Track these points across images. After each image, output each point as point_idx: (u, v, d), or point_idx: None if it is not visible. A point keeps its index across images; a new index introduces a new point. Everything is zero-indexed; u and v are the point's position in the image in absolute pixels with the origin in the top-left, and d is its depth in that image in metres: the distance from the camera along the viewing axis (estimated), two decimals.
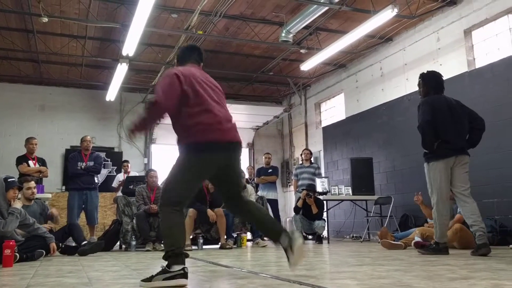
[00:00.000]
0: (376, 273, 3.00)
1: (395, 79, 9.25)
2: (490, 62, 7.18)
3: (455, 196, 4.71)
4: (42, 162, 7.53)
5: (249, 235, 7.77)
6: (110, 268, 3.81)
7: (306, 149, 9.47)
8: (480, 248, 4.35)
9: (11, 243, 4.20)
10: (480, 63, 7.63)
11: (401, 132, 8.70)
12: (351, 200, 8.75)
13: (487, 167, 6.72)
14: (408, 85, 8.80)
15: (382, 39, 9.30)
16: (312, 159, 9.27)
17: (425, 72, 5.17)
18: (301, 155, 9.42)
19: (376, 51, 9.79)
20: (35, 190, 5.79)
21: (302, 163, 9.27)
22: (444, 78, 7.74)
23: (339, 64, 10.69)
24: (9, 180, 4.96)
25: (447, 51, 8.12)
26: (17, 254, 4.38)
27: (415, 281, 2.56)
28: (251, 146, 13.41)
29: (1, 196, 4.83)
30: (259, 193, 9.26)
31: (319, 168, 9.30)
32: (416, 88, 8.32)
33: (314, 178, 8.75)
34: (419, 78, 5.10)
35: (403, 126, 8.61)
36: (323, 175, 9.52)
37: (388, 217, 7.89)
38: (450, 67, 7.87)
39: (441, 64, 8.13)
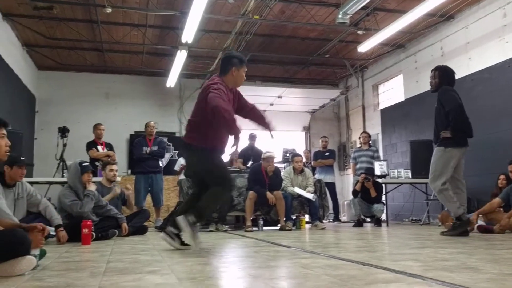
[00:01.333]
0: (439, 256, 3.03)
1: (456, 59, 8.93)
2: None
3: (455, 182, 5.04)
4: (109, 147, 7.97)
5: (307, 218, 7.87)
6: (178, 247, 4.04)
7: (364, 132, 9.39)
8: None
9: (88, 222, 4.55)
10: None
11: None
12: (411, 183, 8.63)
13: None
14: (470, 64, 8.48)
15: (443, 17, 8.97)
16: (370, 142, 9.19)
17: (440, 65, 5.43)
18: (359, 138, 9.36)
19: (437, 30, 9.47)
20: (116, 173, 6.20)
21: (361, 146, 9.22)
22: (511, 56, 7.48)
23: (397, 44, 10.43)
24: (83, 164, 5.33)
25: None
26: (93, 233, 4.72)
27: (480, 264, 2.57)
28: (307, 129, 13.42)
29: (77, 179, 5.20)
30: (316, 176, 9.32)
31: (377, 151, 9.22)
32: (479, 68, 8.12)
33: (372, 162, 8.69)
34: (435, 70, 5.30)
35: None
36: (381, 158, 9.43)
37: None
38: None
39: (507, 42, 7.77)
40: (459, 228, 4.87)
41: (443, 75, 5.24)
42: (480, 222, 5.57)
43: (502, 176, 6.61)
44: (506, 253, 3.18)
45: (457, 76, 8.61)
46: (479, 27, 8.40)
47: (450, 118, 5.00)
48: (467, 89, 8.29)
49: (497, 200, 5.83)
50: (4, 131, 2.68)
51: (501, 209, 5.80)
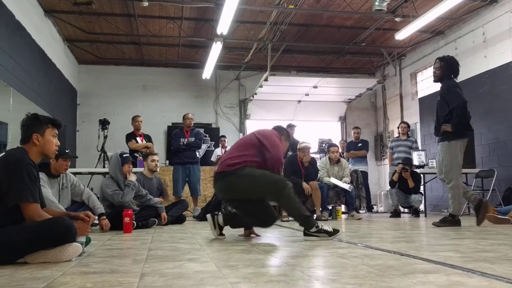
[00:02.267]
0: (480, 247, 2.98)
1: (499, 45, 8.62)
2: None
3: None
4: (148, 138, 8.16)
5: (343, 208, 7.84)
6: (216, 236, 4.12)
7: (403, 122, 9.21)
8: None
9: (129, 212, 4.70)
10: None
11: (506, 101, 8.17)
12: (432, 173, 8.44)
13: None
14: None
15: (485, 1, 8.66)
16: (409, 132, 9.02)
17: (446, 56, 5.35)
18: (397, 128, 9.20)
19: (478, 15, 9.16)
20: (158, 163, 6.36)
21: (399, 136, 9.06)
22: None
23: (436, 31, 10.16)
24: (124, 155, 5.49)
25: None
26: (134, 222, 4.87)
27: None
28: (343, 119, 13.29)
29: (118, 170, 5.36)
30: (350, 167, 9.24)
31: (416, 142, 9.03)
32: None
33: (410, 152, 8.54)
34: (440, 61, 5.23)
35: (507, 95, 8.08)
36: (420, 148, 9.24)
37: (490, 191, 7.54)
38: None
39: None
40: (448, 224, 5.05)
41: (448, 67, 5.22)
42: None
43: None
44: None
45: (500, 63, 8.47)
46: None
47: (454, 114, 5.07)
48: (510, 76, 8.03)
49: None
50: (56, 131, 2.82)
51: None
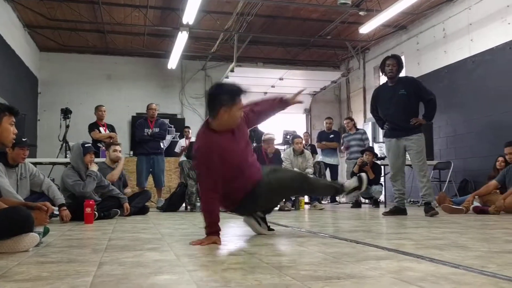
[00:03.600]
0: (432, 235, 3.10)
1: (458, 41, 8.91)
2: None
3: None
4: (111, 128, 8.04)
5: (306, 199, 7.96)
6: (178, 226, 4.14)
7: (347, 118, 9.51)
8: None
9: (91, 202, 4.64)
10: None
11: (464, 96, 8.46)
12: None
13: None
14: (472, 46, 8.47)
15: None
16: (362, 125, 9.25)
17: (396, 54, 5.64)
18: (344, 125, 9.46)
19: (439, 11, 9.42)
20: (120, 153, 6.28)
21: (348, 131, 9.27)
22: None
23: (399, 26, 10.40)
24: (86, 145, 5.40)
25: None
26: (96, 212, 4.82)
27: (470, 243, 2.65)
28: (308, 112, 13.45)
29: (80, 160, 5.28)
30: (319, 158, 9.39)
31: (365, 133, 9.27)
32: (481, 49, 8.11)
33: (362, 144, 8.78)
34: (394, 58, 5.39)
35: (465, 89, 8.37)
36: (370, 140, 9.46)
37: (447, 182, 7.82)
38: None
39: (509, 23, 7.74)
40: (434, 211, 5.12)
41: (401, 64, 5.44)
42: (476, 203, 5.65)
43: (500, 158, 6.67)
44: (498, 232, 3.25)
45: (458, 58, 8.75)
46: (481, 8, 8.36)
47: (431, 107, 5.29)
48: (468, 71, 8.31)
49: (493, 182, 5.91)
50: (14, 119, 2.76)
51: (498, 191, 5.87)
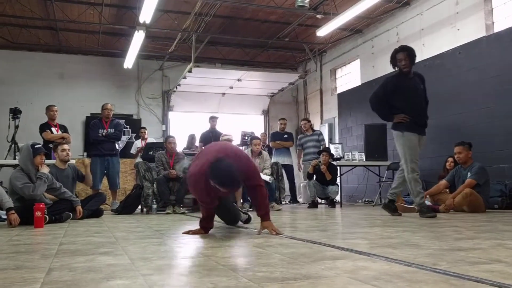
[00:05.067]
0: (386, 234, 3.17)
1: (411, 45, 8.95)
2: (509, 26, 7.09)
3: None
4: (64, 129, 7.78)
5: None
6: (134, 229, 4.05)
7: (304, 119, 9.62)
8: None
9: (41, 205, 4.47)
10: (499, 27, 7.54)
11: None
12: (364, 166, 8.90)
13: (500, 134, 6.79)
14: (424, 50, 8.74)
15: (399, 3, 9.19)
16: (319, 127, 9.37)
17: (408, 46, 5.22)
18: (300, 126, 9.54)
19: (393, 16, 9.69)
20: (69, 153, 6.07)
21: (304, 132, 9.36)
22: (462, 43, 7.76)
23: (355, 29, 10.62)
24: (35, 146, 5.19)
25: (465, 15, 8.01)
26: (46, 216, 4.64)
27: (422, 241, 2.72)
28: (266, 113, 13.51)
29: (29, 161, 5.07)
30: (274, 158, 9.42)
31: (321, 134, 9.40)
32: (432, 53, 8.38)
33: (318, 145, 8.91)
34: (404, 51, 5.05)
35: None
36: (325, 141, 9.59)
37: None
38: (468, 32, 7.81)
39: (458, 29, 8.05)
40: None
41: (413, 55, 5.05)
42: (428, 202, 5.83)
43: (450, 159, 6.91)
44: (448, 230, 3.36)
45: None
46: (433, 14, 8.66)
47: (426, 109, 5.13)
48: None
49: (443, 182, 6.12)
50: None
51: (447, 191, 6.09)
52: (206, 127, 9.64)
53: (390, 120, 5.17)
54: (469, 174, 5.81)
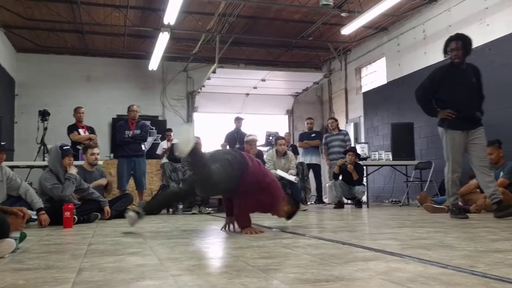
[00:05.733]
0: (417, 234, 3.09)
1: (438, 42, 8.95)
2: None
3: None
4: (91, 130, 7.90)
5: None
6: (161, 229, 4.06)
7: (331, 118, 9.53)
8: None
9: (70, 206, 4.52)
10: None
11: None
12: (391, 166, 8.75)
13: None
14: None
15: (425, 0, 9.01)
16: (344, 126, 9.29)
17: (462, 34, 4.83)
18: (327, 125, 9.46)
19: (419, 13, 9.50)
20: (98, 156, 6.16)
21: (330, 131, 9.29)
22: (491, 39, 7.54)
23: (380, 27, 10.46)
24: (64, 148, 5.27)
25: (495, 10, 7.80)
26: (75, 216, 4.70)
27: (456, 242, 2.64)
28: (290, 113, 13.44)
29: (58, 163, 5.15)
30: (301, 158, 9.38)
31: (347, 134, 9.32)
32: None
33: (344, 145, 8.84)
34: (457, 40, 4.70)
35: None
36: (351, 141, 9.51)
37: (428, 182, 7.88)
38: (498, 27, 7.59)
39: (488, 25, 7.84)
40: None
41: (468, 46, 4.68)
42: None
43: None
44: (481, 231, 3.26)
45: (438, 59, 8.79)
46: (461, 10, 8.46)
47: (482, 103, 4.80)
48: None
49: (474, 181, 5.92)
50: None
51: (478, 190, 5.92)
52: (231, 127, 9.66)
53: (435, 115, 4.88)
54: (501, 173, 5.65)
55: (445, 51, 4.78)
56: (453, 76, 4.70)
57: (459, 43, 4.65)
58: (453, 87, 4.68)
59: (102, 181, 6.09)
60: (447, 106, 4.70)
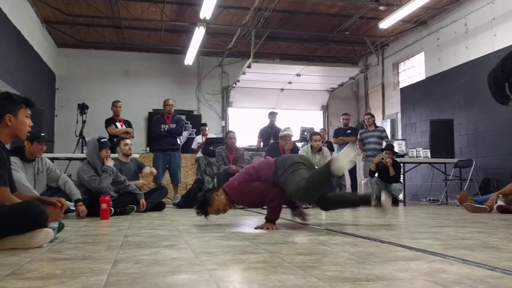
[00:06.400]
0: (459, 234, 2.97)
1: (481, 36, 8.67)
2: None
3: None
4: (128, 124, 8.01)
5: None
6: (195, 223, 4.06)
7: (367, 113, 9.28)
8: None
9: (106, 198, 4.59)
10: None
11: (486, 93, 8.16)
12: (430, 163, 8.52)
13: None
14: (495, 41, 8.23)
15: None
16: (381, 122, 9.07)
17: None
18: (363, 120, 9.25)
19: (461, 6, 9.18)
20: (131, 147, 6.25)
21: (366, 127, 9.08)
22: None
23: (419, 21, 10.17)
24: (101, 140, 5.36)
25: None
26: (112, 208, 4.77)
27: (502, 243, 2.52)
28: (325, 108, 13.29)
29: (95, 155, 5.24)
30: (336, 154, 9.24)
31: (384, 131, 9.07)
32: (505, 44, 7.86)
33: (381, 142, 8.62)
34: None
35: (487, 86, 8.12)
36: (389, 137, 9.28)
37: (468, 181, 7.63)
38: None
39: None
40: None
41: None
42: (500, 202, 5.46)
43: None
44: None
45: (481, 54, 8.53)
46: (505, 1, 8.12)
47: None
48: (491, 67, 8.05)
49: None
50: (30, 112, 2.70)
51: None
52: (265, 123, 9.61)
53: (506, 103, 4.51)
54: None
55: None
56: None
57: None
58: None
59: (139, 183, 6.15)
60: None
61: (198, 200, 3.75)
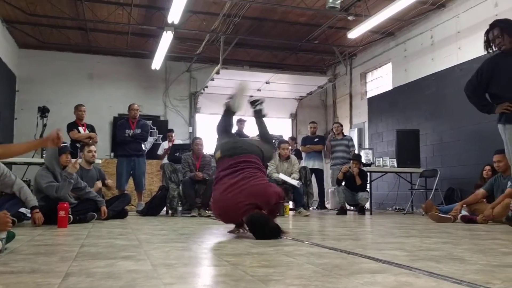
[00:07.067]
0: (425, 245, 2.95)
1: (446, 48, 8.86)
2: None
3: None
4: (91, 128, 7.77)
5: (291, 204, 7.79)
6: (158, 232, 3.93)
7: (336, 122, 9.46)
8: None
9: (65, 205, 4.40)
10: None
11: (451, 104, 8.39)
12: (396, 172, 8.61)
13: None
14: (460, 54, 8.42)
15: (434, 5, 8.86)
16: (348, 131, 9.22)
17: (502, 19, 4.39)
18: (332, 129, 9.37)
19: (427, 18, 9.37)
20: (95, 154, 6.04)
21: (335, 136, 9.20)
22: None
23: (387, 32, 10.32)
24: (62, 145, 5.14)
25: (505, 16, 7.64)
26: (70, 216, 4.57)
27: (467, 254, 2.50)
28: (293, 117, 13.31)
29: (55, 160, 5.03)
30: (303, 162, 9.25)
31: (351, 140, 9.25)
32: (469, 57, 8.02)
33: (348, 151, 8.74)
34: (495, 27, 4.20)
35: (452, 98, 8.29)
36: (355, 147, 9.42)
37: (433, 190, 7.73)
38: None
39: None
40: None
41: (509, 27, 4.16)
42: (464, 212, 5.54)
43: (487, 167, 6.59)
44: (492, 243, 3.11)
45: (446, 66, 8.69)
46: (470, 16, 8.33)
47: None
48: (456, 79, 8.24)
49: (481, 191, 5.82)
50: None
51: (485, 200, 5.78)
52: (233, 129, 9.51)
53: (492, 111, 4.31)
54: (509, 183, 5.49)
55: (488, 46, 4.27)
56: (504, 65, 4.17)
57: (499, 29, 4.15)
58: (507, 76, 4.14)
59: (97, 185, 5.96)
60: (503, 98, 4.11)
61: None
